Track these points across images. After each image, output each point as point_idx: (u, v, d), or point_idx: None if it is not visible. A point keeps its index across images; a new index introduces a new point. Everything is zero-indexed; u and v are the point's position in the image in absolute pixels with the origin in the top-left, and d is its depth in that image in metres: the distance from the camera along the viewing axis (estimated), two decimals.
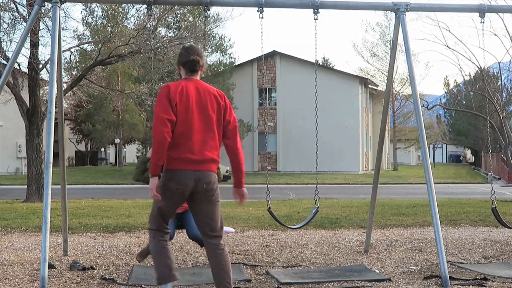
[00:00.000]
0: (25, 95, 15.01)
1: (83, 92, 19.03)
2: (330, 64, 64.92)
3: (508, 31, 15.65)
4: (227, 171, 23.75)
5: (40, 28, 14.36)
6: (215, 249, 4.23)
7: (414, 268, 6.12)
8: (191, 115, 4.08)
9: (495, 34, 16.25)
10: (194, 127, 4.08)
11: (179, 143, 4.04)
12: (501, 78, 19.19)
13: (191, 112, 4.08)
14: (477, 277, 5.54)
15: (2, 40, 14.42)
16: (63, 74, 6.76)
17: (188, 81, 4.22)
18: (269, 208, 6.09)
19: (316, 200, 6.29)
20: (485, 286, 5.27)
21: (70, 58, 19.61)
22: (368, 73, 47.48)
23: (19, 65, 16.76)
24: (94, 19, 24.83)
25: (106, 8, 21.03)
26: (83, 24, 26.00)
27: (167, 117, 3.96)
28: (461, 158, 79.14)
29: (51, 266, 5.84)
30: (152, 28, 15.14)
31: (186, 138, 4.06)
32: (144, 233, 8.77)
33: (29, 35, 11.17)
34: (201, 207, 4.23)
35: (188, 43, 4.97)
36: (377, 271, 5.92)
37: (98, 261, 6.44)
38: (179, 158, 4.06)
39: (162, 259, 4.16)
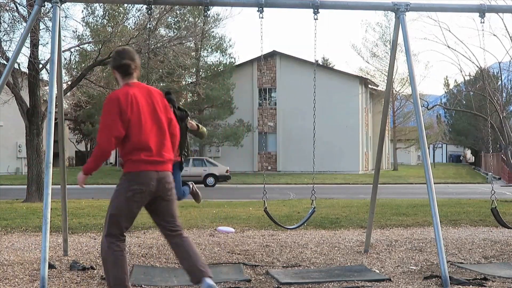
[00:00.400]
0: (25, 95, 15.01)
1: (82, 93, 19.02)
2: (330, 64, 64.92)
3: (508, 31, 15.67)
4: (227, 171, 24.01)
5: (40, 28, 14.36)
6: (181, 242, 4.32)
7: (414, 268, 6.12)
8: (144, 121, 4.20)
9: (494, 35, 16.26)
10: (149, 132, 4.21)
11: (138, 148, 4.16)
12: (501, 78, 19.20)
13: (144, 119, 4.21)
14: (477, 277, 5.54)
15: (2, 40, 14.42)
16: (63, 74, 6.74)
17: (131, 87, 4.30)
18: (265, 208, 6.11)
19: (312, 200, 6.30)
20: (485, 286, 5.27)
21: (70, 58, 19.63)
22: (368, 73, 47.51)
23: (19, 65, 16.78)
24: (95, 19, 24.87)
25: (107, 8, 21.04)
26: (82, 25, 26.02)
27: (116, 134, 4.11)
28: (461, 158, 79.15)
29: (51, 266, 5.84)
30: (152, 28, 15.14)
31: (144, 143, 4.18)
32: (144, 233, 8.77)
33: (29, 35, 11.16)
34: (162, 207, 4.33)
35: (121, 47, 5.04)
36: (377, 271, 5.92)
37: (98, 261, 6.44)
38: (140, 160, 4.16)
39: (116, 271, 4.10)
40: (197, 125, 6.22)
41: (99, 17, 25.38)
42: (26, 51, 14.72)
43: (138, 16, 17.86)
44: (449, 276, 5.29)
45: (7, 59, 13.24)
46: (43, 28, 14.76)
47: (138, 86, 4.35)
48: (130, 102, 4.15)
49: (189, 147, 6.13)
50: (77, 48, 18.84)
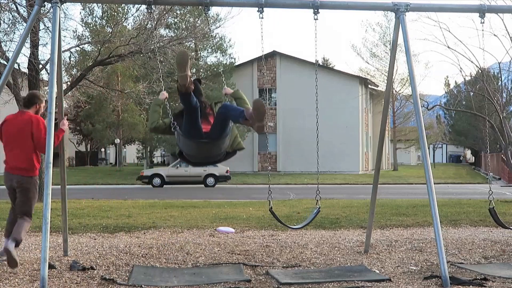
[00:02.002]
0: (25, 95, 14.98)
1: (81, 94, 19.01)
2: (330, 64, 64.94)
3: (508, 31, 15.64)
4: (227, 171, 24.00)
5: (40, 28, 14.35)
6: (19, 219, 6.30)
7: (414, 268, 6.12)
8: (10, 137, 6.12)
9: (494, 35, 16.22)
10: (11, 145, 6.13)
11: (6, 155, 6.17)
12: (501, 79, 19.18)
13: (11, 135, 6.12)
14: (477, 277, 5.54)
15: (2, 40, 14.42)
16: (63, 74, 6.75)
17: (17, 113, 6.33)
18: (271, 208, 6.07)
19: (317, 200, 6.27)
20: (485, 286, 5.27)
21: (70, 58, 19.63)
22: (368, 74, 47.50)
23: (19, 65, 16.77)
24: (94, 19, 24.87)
25: (105, 9, 21.05)
26: (82, 25, 26.02)
27: None
28: (461, 158, 79.15)
29: (51, 266, 5.84)
30: (152, 28, 15.13)
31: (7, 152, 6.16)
32: (144, 233, 8.77)
33: (29, 35, 11.16)
34: (17, 197, 6.41)
35: (33, 91, 7.01)
36: (377, 271, 5.92)
37: (98, 261, 6.44)
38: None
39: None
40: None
41: (98, 18, 25.41)
42: (26, 51, 14.72)
43: (138, 16, 17.86)
44: (449, 276, 5.29)
45: (7, 60, 13.23)
46: (43, 29, 14.76)
47: (21, 114, 6.31)
48: (5, 124, 6.25)
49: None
50: (77, 48, 18.83)
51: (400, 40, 6.31)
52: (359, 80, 40.46)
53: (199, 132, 5.41)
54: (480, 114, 21.06)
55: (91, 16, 27.07)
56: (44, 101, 6.40)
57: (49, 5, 5.94)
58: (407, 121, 50.09)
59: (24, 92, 15.03)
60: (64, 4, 6.03)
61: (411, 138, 53.95)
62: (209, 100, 6.03)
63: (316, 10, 6.07)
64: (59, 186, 6.80)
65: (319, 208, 6.36)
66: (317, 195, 6.25)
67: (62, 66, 6.71)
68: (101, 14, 26.19)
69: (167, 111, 5.70)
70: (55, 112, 5.78)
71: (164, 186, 26.61)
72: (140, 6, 16.14)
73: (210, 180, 27.01)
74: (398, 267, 6.15)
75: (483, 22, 6.51)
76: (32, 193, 6.39)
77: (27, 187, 6.30)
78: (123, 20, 18.18)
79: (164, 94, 5.83)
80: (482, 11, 6.35)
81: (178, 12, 24.19)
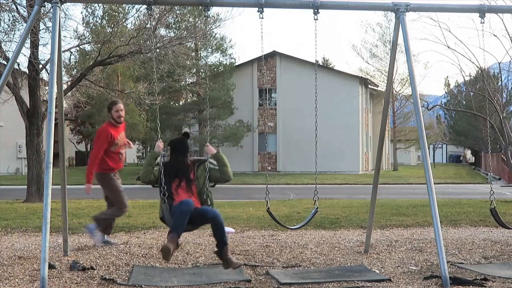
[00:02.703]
0: (25, 95, 15.00)
1: (81, 94, 19.01)
2: (330, 64, 64.92)
3: (508, 31, 15.63)
4: None
5: (40, 28, 14.36)
6: None
7: (414, 268, 6.12)
8: None
9: (494, 35, 16.21)
10: None
11: None
12: (501, 79, 19.17)
13: None
14: (477, 277, 5.54)
15: (2, 40, 14.42)
16: (63, 74, 6.76)
17: None
18: (268, 208, 6.08)
19: (315, 200, 6.28)
20: (485, 286, 5.27)
21: (70, 58, 19.62)
22: (368, 74, 47.48)
23: (19, 65, 16.76)
24: (95, 19, 24.88)
25: (106, 8, 21.05)
26: (83, 24, 26.02)
27: None
28: (461, 158, 79.14)
29: (51, 266, 5.84)
30: (152, 28, 15.13)
31: None
32: (144, 233, 8.77)
33: (29, 35, 11.17)
34: None
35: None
36: (377, 271, 5.92)
37: (98, 261, 6.44)
38: None
39: None
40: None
41: (99, 18, 25.42)
42: (26, 51, 14.72)
43: (138, 16, 17.86)
44: (449, 276, 5.29)
45: (7, 60, 13.23)
46: (43, 29, 14.77)
47: None
48: None
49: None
50: (77, 48, 18.82)
51: (400, 40, 6.31)
52: (359, 80, 40.45)
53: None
54: (480, 114, 21.07)
55: (92, 16, 27.08)
56: (113, 106, 7.58)
57: (49, 5, 5.94)
58: (407, 121, 50.07)
59: (24, 92, 15.05)
60: (64, 4, 6.04)
61: (411, 138, 53.92)
62: (209, 100, 6.06)
63: (316, 10, 6.07)
64: (59, 186, 6.79)
65: (317, 208, 6.37)
66: (315, 196, 6.26)
67: (62, 66, 6.71)
68: (101, 14, 26.19)
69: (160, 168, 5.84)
70: (55, 112, 5.77)
71: None
72: (140, 6, 16.14)
73: None
74: (398, 267, 6.15)
75: (483, 22, 6.51)
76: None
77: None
78: (123, 20, 18.18)
79: (160, 146, 5.93)
80: (482, 11, 6.35)
81: (178, 12, 24.18)
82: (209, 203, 5.85)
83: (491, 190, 6.52)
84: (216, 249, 5.62)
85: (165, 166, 5.83)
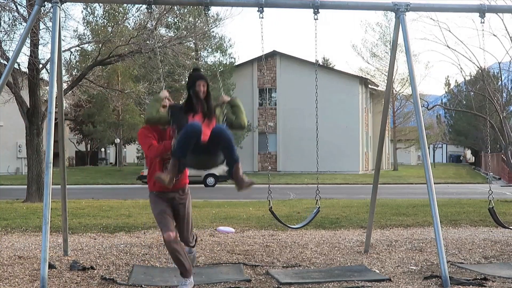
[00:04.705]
0: (25, 95, 15.00)
1: (82, 93, 19.00)
2: (330, 64, 64.89)
3: (508, 31, 15.64)
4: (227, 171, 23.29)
5: (40, 28, 14.35)
6: None
7: (414, 268, 6.12)
8: None
9: (494, 35, 16.23)
10: None
11: None
12: (501, 78, 19.18)
13: None
14: (477, 277, 5.54)
15: (2, 40, 14.42)
16: (63, 74, 6.75)
17: None
18: (271, 208, 6.07)
19: (317, 200, 6.28)
20: (485, 286, 5.27)
21: (70, 58, 19.61)
22: (368, 73, 47.48)
23: (19, 65, 16.77)
24: (95, 18, 24.87)
25: (106, 8, 21.04)
26: (83, 24, 26.03)
27: None
28: (461, 158, 79.13)
29: (51, 266, 5.84)
30: (152, 28, 15.13)
31: None
32: (144, 233, 8.77)
33: (29, 35, 11.16)
34: None
35: None
36: (377, 271, 5.92)
37: (98, 261, 6.44)
38: None
39: None
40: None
41: (99, 17, 25.37)
42: (26, 51, 14.74)
43: (138, 16, 17.86)
44: (449, 276, 5.29)
45: (7, 59, 13.24)
46: (43, 28, 14.77)
47: None
48: None
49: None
50: (77, 48, 18.83)
51: (400, 40, 6.31)
52: (359, 80, 40.44)
53: (197, 147, 5.16)
54: (480, 114, 21.08)
55: (92, 16, 27.07)
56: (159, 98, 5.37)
57: (49, 5, 5.94)
58: (407, 121, 50.07)
59: (24, 92, 15.05)
60: (64, 4, 6.04)
61: (411, 138, 53.91)
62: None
63: (316, 10, 6.07)
64: (59, 186, 6.79)
65: (319, 208, 6.36)
66: (317, 195, 6.25)
67: (62, 66, 6.71)
68: (102, 14, 26.18)
69: (168, 112, 5.42)
70: (55, 112, 5.77)
71: None
72: (140, 6, 16.13)
73: (210, 180, 27.02)
74: (398, 267, 6.15)
75: (483, 22, 6.51)
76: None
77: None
78: (123, 20, 18.17)
79: (165, 93, 5.70)
80: (482, 11, 6.36)
81: (178, 12, 24.17)
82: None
83: (490, 190, 6.52)
84: (226, 169, 5.21)
85: (185, 102, 5.33)
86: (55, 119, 5.67)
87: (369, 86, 42.47)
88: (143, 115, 39.85)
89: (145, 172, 28.73)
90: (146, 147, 5.20)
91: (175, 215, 5.37)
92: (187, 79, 5.58)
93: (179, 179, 5.29)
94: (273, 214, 6.14)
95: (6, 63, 13.09)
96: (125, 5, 18.83)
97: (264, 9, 5.97)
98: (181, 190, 5.45)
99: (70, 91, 16.24)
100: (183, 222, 5.45)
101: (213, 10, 32.16)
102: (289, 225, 6.78)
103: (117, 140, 44.24)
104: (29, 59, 14.68)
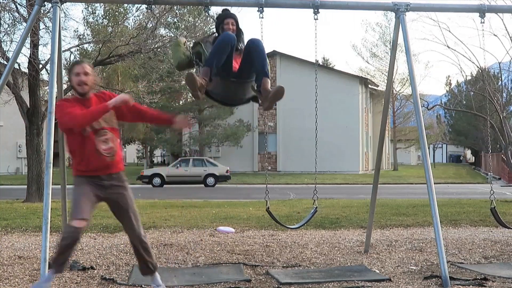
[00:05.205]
0: (25, 95, 15.01)
1: None
2: (330, 64, 64.92)
3: (508, 31, 15.66)
4: (227, 171, 24.04)
5: (40, 28, 14.35)
6: None
7: (414, 268, 6.12)
8: None
9: (494, 35, 16.25)
10: None
11: None
12: (501, 78, 19.19)
13: None
14: (477, 277, 5.54)
15: (2, 40, 14.42)
16: (63, 74, 6.75)
17: None
18: (268, 208, 6.09)
19: (314, 200, 6.29)
20: (485, 286, 5.27)
21: (70, 58, 19.62)
22: (368, 73, 47.52)
23: (19, 65, 16.76)
24: (95, 18, 24.86)
25: (107, 8, 21.05)
26: (84, 24, 26.03)
27: None
28: (461, 158, 79.13)
29: (51, 266, 5.84)
30: (152, 28, 15.13)
31: None
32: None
33: (29, 35, 11.15)
34: None
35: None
36: (377, 271, 5.92)
37: (98, 261, 6.44)
38: None
39: None
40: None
41: (100, 17, 25.38)
42: (26, 51, 14.72)
43: (138, 16, 17.86)
44: (449, 276, 5.29)
45: (7, 59, 13.24)
46: (43, 28, 14.77)
47: None
48: None
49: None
50: (77, 48, 18.83)
51: (400, 40, 6.31)
52: (359, 80, 40.45)
53: (229, 70, 5.04)
54: (480, 114, 21.09)
55: (92, 15, 27.08)
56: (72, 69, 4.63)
57: (49, 5, 5.94)
58: (407, 121, 50.10)
59: (24, 92, 15.05)
60: (64, 4, 6.03)
61: (411, 138, 53.95)
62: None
63: (316, 10, 6.07)
64: (59, 186, 6.79)
65: (316, 208, 6.37)
66: (315, 195, 6.26)
67: (62, 66, 6.71)
68: (102, 14, 26.19)
69: (189, 50, 5.31)
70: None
71: (164, 186, 26.61)
72: (140, 6, 16.14)
73: (210, 180, 27.01)
74: (398, 267, 6.15)
75: (483, 22, 6.51)
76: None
77: None
78: (123, 20, 18.18)
79: (182, 38, 5.53)
80: (482, 11, 6.36)
81: (177, 12, 24.17)
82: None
83: (492, 190, 6.52)
84: (255, 84, 5.07)
85: (214, 40, 5.20)
86: (55, 119, 5.67)
87: (369, 86, 42.47)
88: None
89: (145, 172, 28.77)
90: (71, 116, 4.35)
91: (117, 208, 4.66)
92: (215, 19, 5.51)
93: (115, 159, 4.54)
94: (270, 214, 6.15)
95: (6, 63, 13.09)
96: (125, 5, 18.85)
97: (264, 9, 5.97)
98: (116, 176, 4.60)
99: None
100: (128, 214, 4.66)
101: (213, 10, 32.18)
102: (286, 225, 6.79)
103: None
104: (29, 59, 14.68)
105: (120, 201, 4.62)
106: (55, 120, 4.41)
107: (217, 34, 5.42)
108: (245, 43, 5.32)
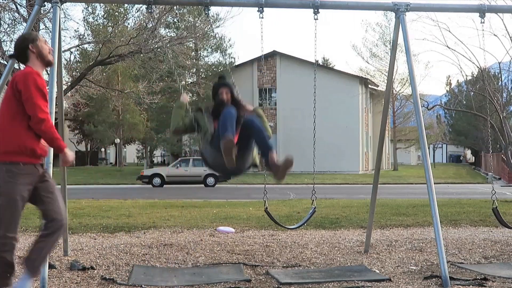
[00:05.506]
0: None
1: (81, 96, 19.01)
2: (330, 64, 64.94)
3: (508, 31, 15.66)
4: None
5: (40, 28, 14.37)
6: None
7: (414, 268, 6.12)
8: None
9: (494, 35, 16.25)
10: None
11: None
12: (501, 78, 19.19)
13: None
14: (477, 277, 5.54)
15: (2, 40, 14.44)
16: (63, 74, 6.75)
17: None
18: (266, 208, 6.10)
19: (313, 200, 6.28)
20: (485, 286, 5.27)
21: (70, 58, 19.63)
22: (368, 73, 47.53)
23: (19, 65, 16.75)
24: (95, 18, 24.89)
25: (107, 8, 21.07)
26: (84, 24, 26.06)
27: None
28: (461, 158, 79.16)
29: (51, 266, 5.84)
30: (152, 28, 15.15)
31: None
32: (144, 233, 8.77)
33: None
34: None
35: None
36: (377, 271, 5.92)
37: (98, 261, 6.44)
38: None
39: None
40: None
41: (100, 17, 25.40)
42: None
43: (138, 16, 17.88)
44: (449, 276, 5.29)
45: (7, 60, 13.24)
46: (43, 28, 14.80)
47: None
48: None
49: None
50: (77, 48, 18.84)
51: (400, 40, 6.31)
52: (359, 80, 40.46)
53: None
54: (480, 114, 21.09)
55: (92, 15, 27.10)
56: (39, 39, 4.24)
57: (49, 5, 5.94)
58: (407, 121, 50.11)
59: None
60: (64, 4, 6.04)
61: (411, 138, 53.98)
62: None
63: (316, 10, 6.07)
64: (59, 186, 6.79)
65: (315, 208, 6.37)
66: (313, 195, 6.27)
67: (62, 66, 6.71)
68: (103, 14, 26.22)
69: (189, 113, 5.44)
70: (55, 112, 5.77)
71: (164, 186, 26.61)
72: (140, 6, 16.15)
73: (210, 180, 27.02)
74: (398, 267, 6.15)
75: (483, 22, 6.51)
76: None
77: None
78: (123, 20, 18.20)
79: (185, 97, 5.60)
80: (482, 11, 6.36)
81: (177, 12, 24.20)
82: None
83: (493, 190, 6.52)
84: (262, 159, 5.21)
85: (212, 109, 5.36)
86: (55, 119, 5.67)
87: (369, 86, 42.49)
88: (143, 115, 39.85)
89: (145, 172, 28.77)
90: (43, 108, 4.04)
91: (47, 193, 4.23)
92: (211, 89, 5.64)
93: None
94: (269, 214, 6.15)
95: (6, 63, 13.09)
96: (125, 5, 18.86)
97: (264, 9, 5.97)
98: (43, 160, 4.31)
99: (70, 92, 16.26)
100: (55, 195, 4.30)
101: (213, 10, 32.20)
102: (285, 226, 6.79)
103: (117, 140, 44.24)
104: None
105: (49, 184, 4.41)
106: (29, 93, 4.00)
107: (214, 104, 5.51)
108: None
